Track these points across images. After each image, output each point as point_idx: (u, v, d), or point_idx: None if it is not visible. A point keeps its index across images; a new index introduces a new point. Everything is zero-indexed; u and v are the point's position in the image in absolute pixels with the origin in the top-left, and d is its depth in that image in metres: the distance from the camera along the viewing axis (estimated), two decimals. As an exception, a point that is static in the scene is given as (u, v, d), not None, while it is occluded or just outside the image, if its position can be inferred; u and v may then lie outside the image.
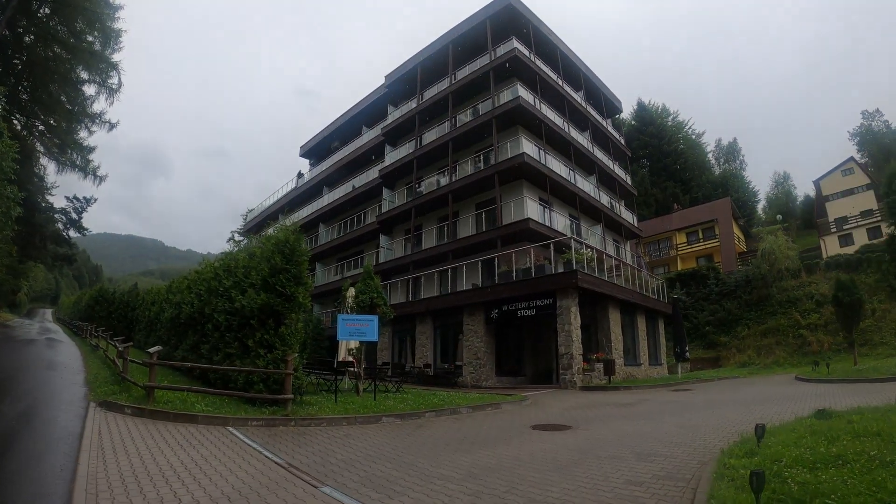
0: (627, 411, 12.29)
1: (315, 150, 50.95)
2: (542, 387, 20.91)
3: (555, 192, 29.00)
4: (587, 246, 22.46)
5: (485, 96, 30.58)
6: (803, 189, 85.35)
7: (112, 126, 40.10)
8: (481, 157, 29.91)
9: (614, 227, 36.09)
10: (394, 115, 37.50)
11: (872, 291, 34.17)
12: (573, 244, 21.28)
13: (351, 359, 14.54)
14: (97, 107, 35.48)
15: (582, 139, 34.62)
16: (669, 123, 79.61)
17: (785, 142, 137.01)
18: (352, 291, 15.58)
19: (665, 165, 74.38)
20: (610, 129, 41.28)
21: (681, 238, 55.28)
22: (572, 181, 30.69)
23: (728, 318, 38.32)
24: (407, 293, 29.46)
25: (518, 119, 28.97)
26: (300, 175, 51.96)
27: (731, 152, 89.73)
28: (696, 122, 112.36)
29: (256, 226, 57.44)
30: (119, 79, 38.21)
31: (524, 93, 28.56)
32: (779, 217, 70.44)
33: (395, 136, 36.88)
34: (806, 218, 69.28)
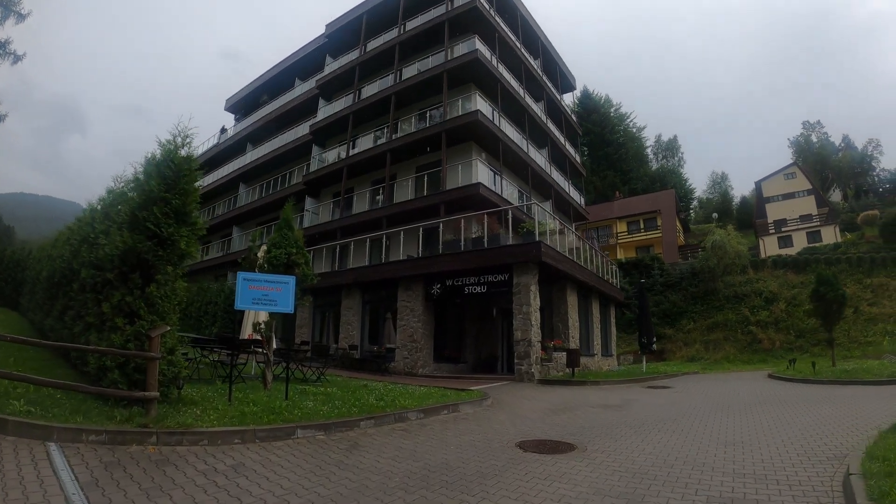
0: (624, 417, 9.45)
1: (242, 104, 45.92)
2: (490, 377, 17.88)
3: (507, 160, 26.06)
4: (550, 216, 19.55)
5: (436, 49, 27.23)
6: (739, 190, 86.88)
7: (17, 58, 33.50)
8: (427, 116, 26.58)
9: (563, 206, 33.73)
10: (332, 66, 33.47)
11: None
12: (536, 210, 18.38)
13: (258, 336, 10.85)
14: (1, 35, 29.45)
15: (536, 109, 31.84)
16: (612, 114, 79.05)
17: (722, 143, 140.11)
18: (264, 248, 11.91)
19: (606, 154, 73.49)
20: (564, 104, 38.90)
21: (622, 227, 54.01)
22: (525, 151, 27.90)
23: (673, 311, 36.95)
24: (333, 262, 25.56)
25: (472, 76, 25.82)
26: (223, 130, 46.99)
27: (670, 149, 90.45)
28: (638, 116, 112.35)
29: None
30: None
31: (482, 47, 25.40)
32: (714, 216, 71.16)
33: (331, 89, 32.87)
34: (741, 219, 69.87)
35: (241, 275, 8.85)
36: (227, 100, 47.69)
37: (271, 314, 10.56)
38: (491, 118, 24.70)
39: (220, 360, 11.19)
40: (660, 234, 51.52)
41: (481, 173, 23.24)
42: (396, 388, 11.88)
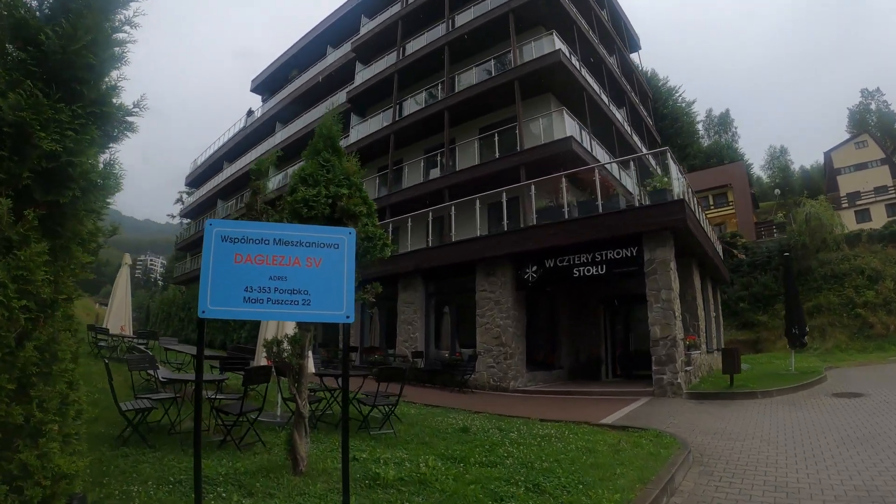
0: None
1: (269, 83, 41.96)
2: (611, 391, 13.16)
3: (592, 116, 21.20)
4: (680, 171, 14.76)
5: (495, -9, 22.61)
6: (799, 163, 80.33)
7: None
8: (492, 65, 21.94)
9: (645, 175, 28.83)
10: (368, 26, 29.07)
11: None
12: (670, 161, 13.61)
13: (281, 362, 5.19)
14: None
15: (611, 61, 26.95)
16: (661, 88, 73.63)
17: (779, 115, 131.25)
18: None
19: (661, 129, 67.83)
20: (634, 63, 33.95)
21: (689, 204, 48.65)
22: (608, 106, 23.16)
23: (764, 294, 31.87)
24: (384, 247, 21.12)
25: (543, 16, 21.15)
26: (250, 113, 43.28)
27: (722, 124, 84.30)
28: (686, 91, 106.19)
29: (198, 178, 48.88)
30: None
31: (553, -21, 20.74)
32: (777, 191, 65.66)
33: (369, 51, 28.39)
34: (805, 193, 63.98)
35: (212, 224, 3.56)
36: (253, 80, 43.96)
37: (302, 325, 5.42)
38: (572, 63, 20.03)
39: (220, 408, 6.07)
40: (733, 210, 46.31)
41: (568, 127, 18.54)
42: (516, 428, 7.23)
